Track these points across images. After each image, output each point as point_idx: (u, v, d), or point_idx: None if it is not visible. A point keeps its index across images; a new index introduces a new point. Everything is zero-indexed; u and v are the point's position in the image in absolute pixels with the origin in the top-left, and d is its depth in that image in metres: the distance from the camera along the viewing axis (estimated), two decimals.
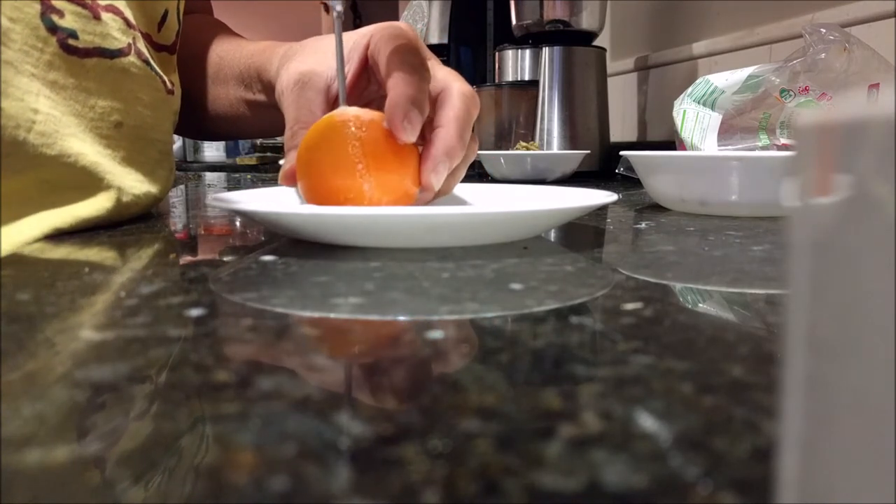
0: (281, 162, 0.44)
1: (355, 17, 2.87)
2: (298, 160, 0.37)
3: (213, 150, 2.21)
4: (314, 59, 0.45)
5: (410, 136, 0.35)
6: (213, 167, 1.88)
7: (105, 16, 0.42)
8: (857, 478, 0.07)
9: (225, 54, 0.57)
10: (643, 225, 0.46)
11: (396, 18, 2.20)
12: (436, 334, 0.21)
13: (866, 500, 0.07)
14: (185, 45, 0.56)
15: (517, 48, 1.17)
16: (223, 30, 0.62)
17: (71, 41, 0.40)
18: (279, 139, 2.00)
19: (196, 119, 0.60)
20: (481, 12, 1.39)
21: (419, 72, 0.38)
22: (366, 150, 0.35)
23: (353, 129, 0.35)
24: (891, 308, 0.06)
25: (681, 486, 0.11)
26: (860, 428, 0.07)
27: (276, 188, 0.44)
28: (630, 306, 0.23)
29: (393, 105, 0.36)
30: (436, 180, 0.37)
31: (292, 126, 0.42)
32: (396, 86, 0.37)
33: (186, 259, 0.37)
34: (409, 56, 0.39)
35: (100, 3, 0.42)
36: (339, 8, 0.38)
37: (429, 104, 0.38)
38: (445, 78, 0.41)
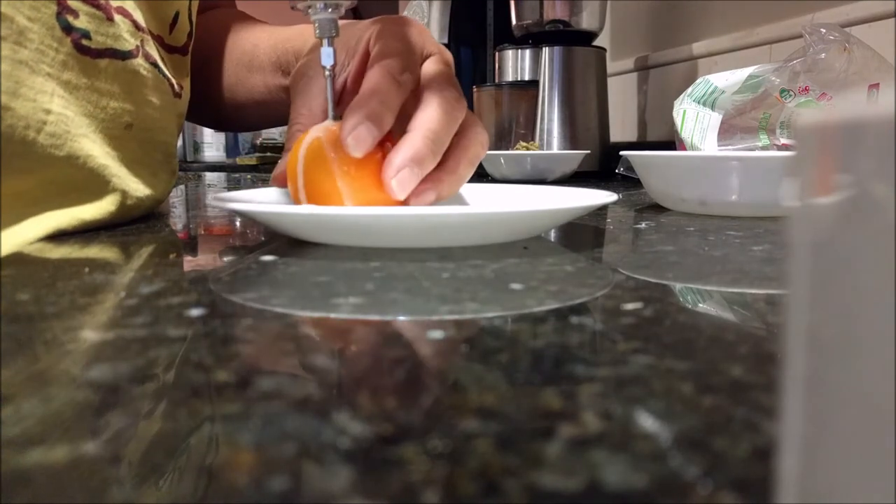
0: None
1: (355, 17, 2.86)
2: (289, 173, 0.38)
3: (213, 150, 2.21)
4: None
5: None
6: (213, 167, 1.88)
7: (116, 17, 0.42)
8: (857, 478, 0.07)
9: (259, 41, 0.57)
10: (643, 225, 0.46)
11: None
12: (436, 334, 0.21)
13: (866, 500, 0.07)
14: (212, 37, 0.56)
15: (517, 48, 1.17)
16: (250, 18, 0.62)
17: (84, 41, 0.40)
18: (279, 139, 2.00)
19: (229, 110, 0.60)
20: (481, 12, 1.39)
21: (401, 88, 0.37)
22: (342, 171, 0.35)
23: (330, 149, 0.35)
24: (891, 308, 0.06)
25: (681, 486, 0.11)
26: (860, 428, 0.07)
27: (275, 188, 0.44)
28: (630, 306, 0.23)
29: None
30: (399, 188, 0.35)
31: (290, 127, 0.42)
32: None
33: (186, 259, 0.37)
34: (394, 68, 0.38)
35: (112, 4, 0.42)
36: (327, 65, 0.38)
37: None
38: (431, 79, 0.39)
